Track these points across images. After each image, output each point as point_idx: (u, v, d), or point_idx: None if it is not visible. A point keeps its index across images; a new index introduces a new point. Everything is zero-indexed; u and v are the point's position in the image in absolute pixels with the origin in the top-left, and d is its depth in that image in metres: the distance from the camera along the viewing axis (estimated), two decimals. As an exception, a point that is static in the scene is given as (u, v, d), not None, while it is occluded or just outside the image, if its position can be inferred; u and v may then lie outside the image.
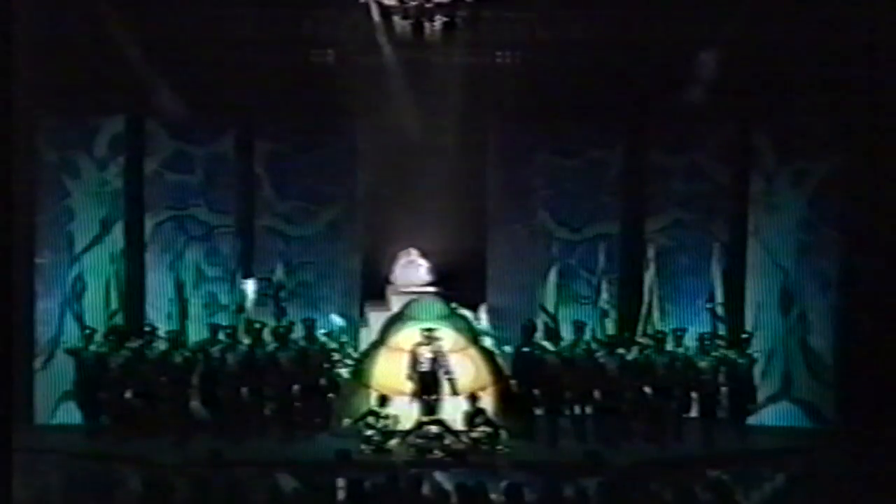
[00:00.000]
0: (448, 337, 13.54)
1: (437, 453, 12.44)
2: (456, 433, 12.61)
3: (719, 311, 14.24)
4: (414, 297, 14.32)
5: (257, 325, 13.85)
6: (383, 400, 13.02)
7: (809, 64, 14.08)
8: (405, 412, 12.95)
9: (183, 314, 14.29)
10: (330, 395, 13.68)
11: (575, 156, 15.03)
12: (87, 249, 14.59)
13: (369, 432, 12.67)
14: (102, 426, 13.49)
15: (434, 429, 12.60)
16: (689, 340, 13.69)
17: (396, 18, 14.33)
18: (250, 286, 14.42)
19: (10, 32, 9.69)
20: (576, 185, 15.02)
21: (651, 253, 14.51)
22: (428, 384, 13.02)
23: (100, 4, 14.08)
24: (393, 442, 12.63)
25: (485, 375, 13.53)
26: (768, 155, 14.74)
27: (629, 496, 10.14)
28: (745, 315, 14.60)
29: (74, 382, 13.70)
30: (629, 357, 13.43)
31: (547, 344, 13.61)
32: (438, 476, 11.15)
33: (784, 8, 14.04)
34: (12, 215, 9.48)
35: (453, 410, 12.90)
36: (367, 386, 13.50)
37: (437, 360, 13.12)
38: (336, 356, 13.89)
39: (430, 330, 13.35)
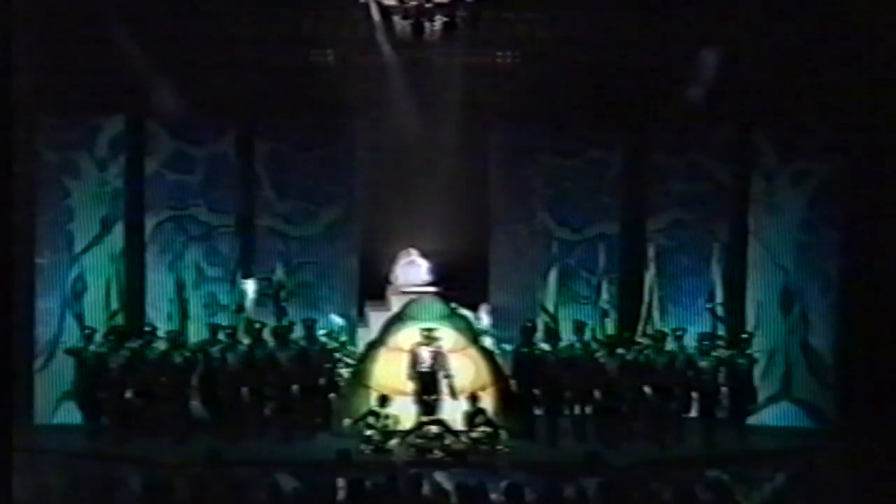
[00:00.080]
0: (448, 337, 13.53)
1: (437, 453, 12.43)
2: (456, 433, 12.60)
3: (719, 311, 14.23)
4: (414, 297, 14.31)
5: (257, 325, 13.84)
6: (383, 400, 13.01)
7: (810, 64, 14.08)
8: (405, 412, 12.94)
9: (183, 314, 14.28)
10: (330, 395, 13.67)
11: (575, 156, 15.02)
12: (87, 249, 14.58)
13: (369, 432, 12.67)
14: (102, 426, 13.47)
15: (434, 429, 12.59)
16: (689, 340, 13.68)
17: (396, 18, 14.34)
18: (250, 286, 14.41)
19: (10, 32, 9.69)
20: (576, 185, 15.01)
21: (651, 253, 14.50)
22: (427, 384, 13.02)
23: (100, 4, 14.09)
24: (393, 442, 12.62)
25: (485, 375, 13.52)
26: (769, 154, 14.72)
27: (629, 496, 10.13)
28: (746, 315, 14.58)
29: (74, 382, 13.70)
30: (629, 357, 13.42)
31: (546, 345, 13.60)
32: (438, 476, 11.14)
33: (784, 8, 14.04)
34: (12, 215, 9.48)
35: (453, 410, 12.88)
36: (367, 386, 13.50)
37: (436, 360, 13.12)
38: (338, 356, 13.89)
39: (429, 330, 13.34)
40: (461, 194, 14.72)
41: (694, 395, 13.47)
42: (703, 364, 13.42)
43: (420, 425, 12.69)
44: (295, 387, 13.45)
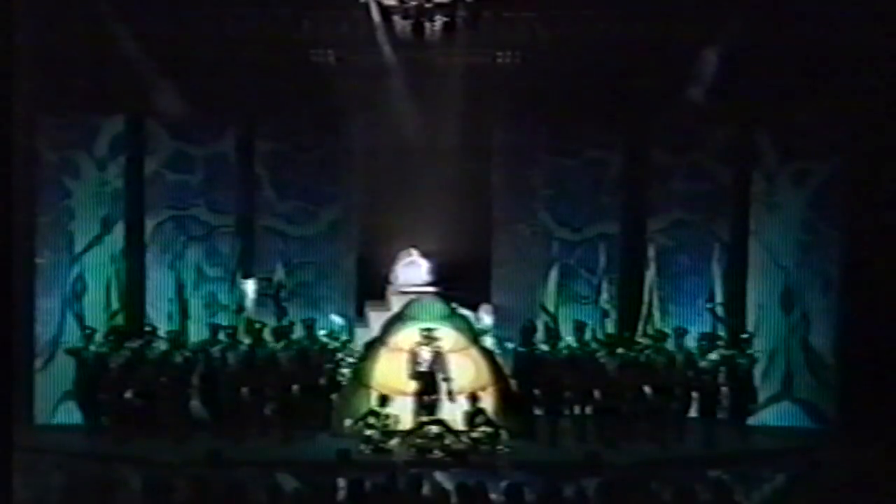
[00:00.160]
0: (448, 337, 13.54)
1: (437, 453, 12.43)
2: (456, 433, 12.60)
3: (719, 311, 14.22)
4: (414, 297, 14.31)
5: (257, 325, 13.85)
6: (383, 400, 13.01)
7: (810, 63, 14.07)
8: (403, 412, 12.94)
9: (183, 314, 14.26)
10: (330, 395, 13.66)
11: (575, 156, 15.02)
12: (87, 249, 14.59)
13: (369, 432, 12.66)
14: (102, 426, 13.49)
15: (434, 429, 12.59)
16: (690, 340, 13.67)
17: (396, 18, 14.36)
18: (250, 286, 14.41)
19: (10, 33, 9.68)
20: (576, 185, 15.01)
21: (651, 253, 14.49)
22: (426, 385, 13.01)
23: (100, 4, 14.09)
24: (393, 442, 12.62)
25: (485, 375, 13.52)
26: (769, 155, 14.72)
27: (629, 496, 10.12)
28: (747, 315, 14.58)
29: (74, 382, 13.70)
30: (629, 357, 13.41)
31: (546, 345, 13.59)
32: (438, 476, 11.13)
33: (785, 7, 14.03)
34: (12, 215, 9.47)
35: (453, 410, 12.87)
36: (367, 386, 13.49)
37: (436, 361, 13.11)
38: (340, 355, 13.88)
39: (429, 330, 13.34)
40: (461, 194, 14.73)
41: (694, 395, 13.47)
42: (703, 364, 13.42)
43: (420, 425, 12.68)
44: (295, 387, 13.44)
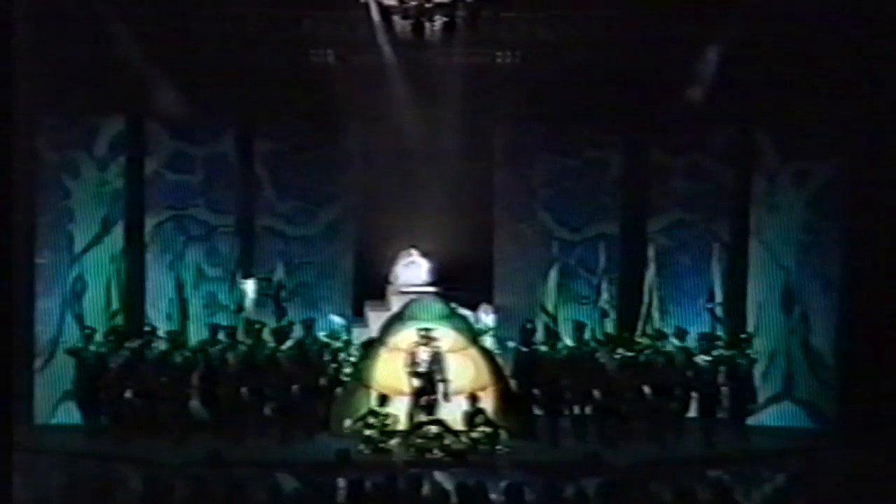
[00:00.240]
0: (448, 337, 13.53)
1: (437, 453, 12.42)
2: (456, 433, 12.60)
3: (718, 311, 14.21)
4: (414, 297, 14.31)
5: (257, 325, 13.85)
6: (383, 399, 13.01)
7: (811, 63, 14.06)
8: (403, 412, 12.94)
9: (183, 314, 14.28)
10: (331, 395, 13.66)
11: (575, 156, 15.01)
12: (87, 249, 14.58)
13: (369, 432, 12.66)
14: (102, 426, 13.49)
15: (434, 429, 12.58)
16: (690, 340, 13.67)
17: (396, 18, 14.34)
18: (250, 286, 14.41)
19: (10, 32, 9.68)
20: (576, 185, 15.00)
21: (651, 253, 14.49)
22: (424, 385, 13.00)
23: (100, 4, 14.08)
24: (393, 442, 12.62)
25: (485, 375, 13.51)
26: (770, 155, 14.71)
27: (629, 496, 10.12)
28: (747, 315, 14.57)
29: (74, 382, 13.70)
30: (629, 357, 13.40)
31: (546, 345, 13.59)
32: (438, 476, 11.13)
33: (785, 7, 14.02)
34: (12, 215, 9.47)
35: (452, 411, 12.86)
36: (367, 386, 13.49)
37: (434, 362, 13.10)
38: (342, 355, 13.88)
39: (427, 330, 13.32)
40: (461, 194, 14.71)
41: (694, 395, 13.46)
42: (703, 364, 13.41)
43: (420, 425, 12.68)
44: (295, 387, 13.44)
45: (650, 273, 14.36)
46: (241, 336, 13.78)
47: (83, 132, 14.66)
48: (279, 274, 14.54)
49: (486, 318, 14.72)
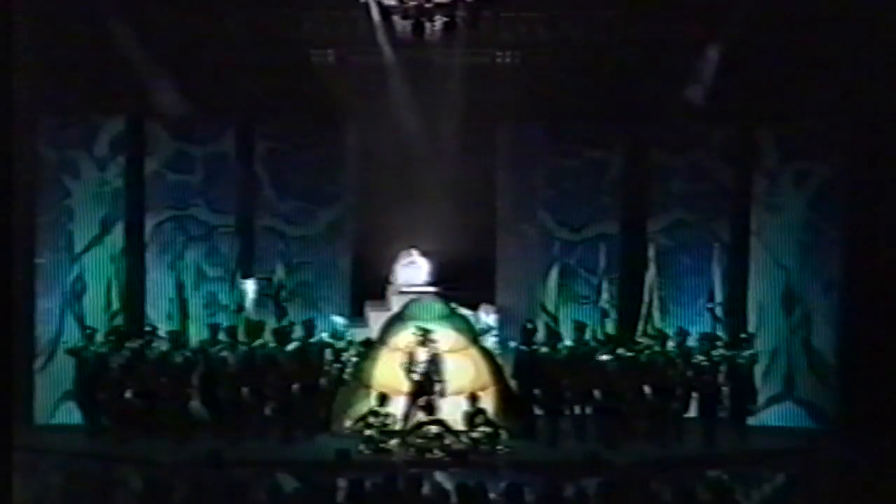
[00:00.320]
0: (448, 337, 13.53)
1: (437, 453, 12.42)
2: (456, 433, 12.59)
3: (718, 311, 14.20)
4: (414, 297, 14.30)
5: (257, 325, 13.83)
6: (382, 399, 13.00)
7: (812, 63, 14.06)
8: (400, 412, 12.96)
9: (183, 314, 14.27)
10: (333, 395, 13.65)
11: (575, 156, 15.01)
12: (87, 249, 14.59)
13: (369, 432, 12.65)
14: (102, 426, 13.48)
15: (434, 429, 12.58)
16: (690, 340, 13.65)
17: (396, 18, 14.34)
18: (250, 286, 14.40)
19: (10, 32, 9.68)
20: (576, 185, 14.99)
21: (652, 253, 14.48)
22: (421, 386, 12.99)
23: (100, 4, 14.08)
24: (393, 442, 12.61)
25: (485, 375, 13.50)
26: (770, 155, 14.70)
27: (629, 496, 10.12)
28: (748, 315, 14.56)
29: (74, 382, 13.69)
30: (629, 357, 13.39)
31: (546, 345, 13.58)
32: (438, 476, 11.13)
33: (785, 7, 14.02)
34: (12, 215, 9.47)
35: (449, 411, 12.86)
36: (367, 386, 13.49)
37: (431, 361, 13.09)
38: (346, 355, 13.88)
39: (424, 330, 13.30)
40: (460, 194, 14.71)
41: (694, 395, 13.46)
42: (703, 364, 13.40)
43: (420, 425, 12.67)
44: (295, 387, 13.43)
45: (650, 273, 14.34)
46: (241, 336, 13.76)
47: (83, 132, 14.66)
48: (279, 274, 14.52)
49: (487, 317, 14.72)
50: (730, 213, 14.87)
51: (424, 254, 14.97)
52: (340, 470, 11.21)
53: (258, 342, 13.60)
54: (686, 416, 13.49)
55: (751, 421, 13.82)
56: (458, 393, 13.09)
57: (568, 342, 13.64)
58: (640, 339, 13.82)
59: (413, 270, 14.93)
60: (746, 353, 13.66)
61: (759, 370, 13.96)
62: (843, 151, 14.40)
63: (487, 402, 13.15)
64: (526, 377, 13.52)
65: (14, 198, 9.54)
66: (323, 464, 11.78)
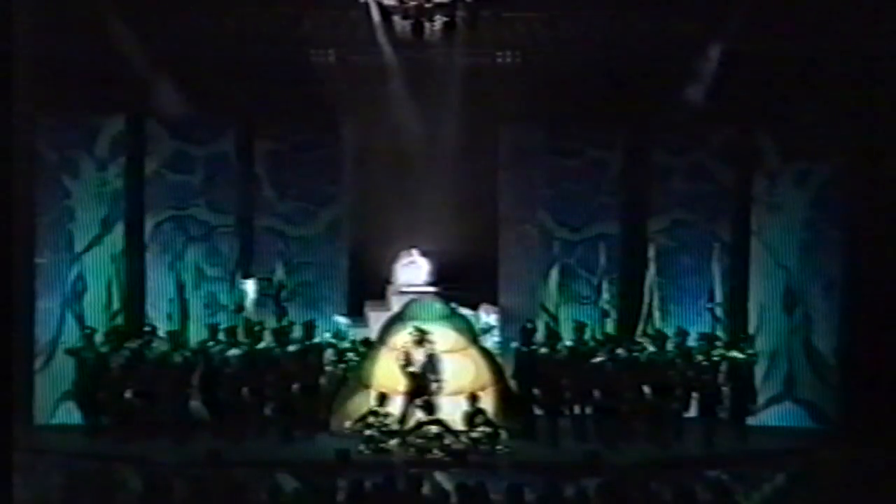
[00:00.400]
0: (448, 337, 13.53)
1: (438, 453, 12.42)
2: (456, 433, 12.60)
3: (718, 311, 14.20)
4: (414, 297, 14.31)
5: (257, 326, 13.84)
6: (383, 399, 13.00)
7: (812, 63, 14.05)
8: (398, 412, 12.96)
9: (183, 314, 14.28)
10: (334, 395, 13.65)
11: (575, 156, 15.01)
12: (87, 249, 14.58)
13: (369, 432, 12.66)
14: (102, 426, 13.48)
15: (434, 429, 12.58)
16: (690, 340, 13.65)
17: (396, 18, 14.35)
18: (250, 286, 14.40)
19: (10, 32, 9.68)
20: (576, 185, 14.99)
21: (652, 253, 14.48)
22: (418, 385, 12.99)
23: (100, 4, 14.08)
24: (393, 442, 12.61)
25: (485, 375, 13.51)
26: (771, 155, 14.69)
27: (629, 496, 10.12)
28: (749, 315, 14.55)
29: (74, 382, 13.69)
30: (629, 357, 13.39)
31: (546, 345, 13.59)
32: (438, 476, 11.14)
33: (786, 7, 14.02)
34: (12, 215, 9.47)
35: (452, 410, 12.87)
36: (367, 386, 13.49)
37: (429, 363, 13.08)
38: (349, 355, 13.88)
39: (421, 331, 13.29)
40: (460, 194, 14.71)
41: (694, 395, 13.45)
42: (703, 364, 13.39)
43: (420, 425, 12.68)
44: (295, 387, 13.43)
45: (651, 273, 14.35)
46: (241, 336, 13.76)
47: (83, 132, 14.66)
48: (279, 274, 14.53)
49: (488, 317, 14.72)
50: (730, 213, 14.86)
51: (424, 254, 14.99)
52: (340, 470, 11.21)
53: (262, 345, 13.60)
54: (686, 416, 13.49)
55: (751, 421, 13.83)
56: (457, 393, 13.10)
57: (568, 342, 13.64)
58: (640, 339, 13.83)
59: (413, 270, 14.95)
60: (747, 352, 13.65)
61: (759, 370, 13.97)
62: (843, 151, 14.39)
63: (487, 402, 13.14)
64: (526, 377, 13.52)
65: (14, 198, 9.54)
66: (323, 464, 11.78)
